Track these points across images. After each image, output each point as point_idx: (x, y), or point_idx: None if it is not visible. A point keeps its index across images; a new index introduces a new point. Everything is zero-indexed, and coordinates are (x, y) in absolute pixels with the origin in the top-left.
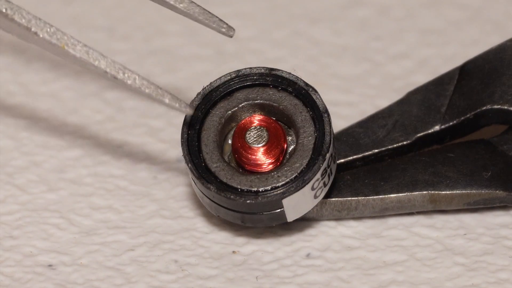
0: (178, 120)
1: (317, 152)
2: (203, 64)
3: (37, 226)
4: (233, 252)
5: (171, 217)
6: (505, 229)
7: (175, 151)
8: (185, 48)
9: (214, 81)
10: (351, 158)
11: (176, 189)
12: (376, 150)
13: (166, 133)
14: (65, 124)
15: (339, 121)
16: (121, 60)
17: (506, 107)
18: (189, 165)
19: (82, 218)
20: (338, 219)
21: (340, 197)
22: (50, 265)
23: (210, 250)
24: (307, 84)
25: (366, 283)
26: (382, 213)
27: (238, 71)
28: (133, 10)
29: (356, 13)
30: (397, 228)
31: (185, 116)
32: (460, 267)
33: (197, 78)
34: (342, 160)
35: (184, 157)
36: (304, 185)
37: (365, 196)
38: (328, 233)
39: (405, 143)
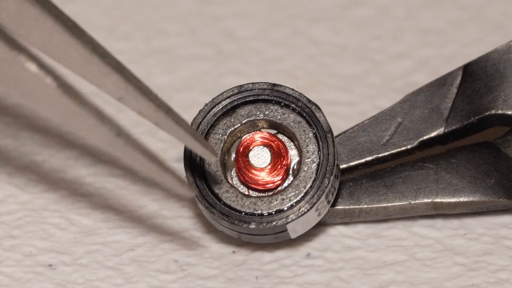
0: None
1: (322, 174)
2: (203, 64)
3: (37, 226)
4: (233, 252)
5: (171, 217)
6: (505, 229)
7: (175, 151)
8: (185, 48)
9: (216, 97)
10: (353, 163)
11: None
12: (379, 155)
13: (166, 133)
14: (65, 124)
15: (339, 121)
16: (121, 60)
17: (510, 113)
18: (192, 187)
19: (82, 218)
20: (340, 223)
21: (343, 206)
22: (50, 265)
23: (210, 250)
24: (310, 101)
25: (366, 283)
26: (385, 217)
27: (241, 86)
28: (133, 10)
29: (356, 13)
30: (397, 228)
31: None
32: (460, 267)
33: (197, 78)
34: (344, 166)
35: (187, 178)
36: (309, 209)
37: (367, 205)
38: (328, 233)
39: (408, 147)
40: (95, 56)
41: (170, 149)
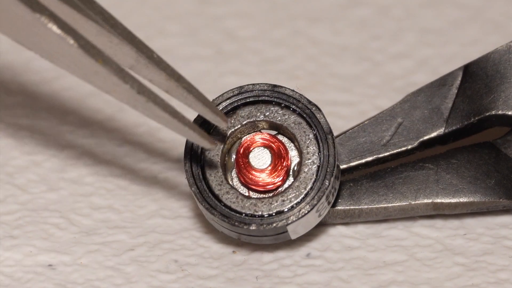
0: None
1: (322, 175)
2: (203, 64)
3: (37, 226)
4: (233, 252)
5: (171, 217)
6: (505, 229)
7: (175, 151)
8: (185, 48)
9: (216, 98)
10: (353, 164)
11: (176, 189)
12: (380, 155)
13: (166, 133)
14: (66, 124)
15: (339, 121)
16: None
17: (510, 113)
18: (193, 188)
19: (82, 218)
20: (341, 223)
21: (343, 206)
22: (50, 265)
23: (210, 250)
24: (310, 102)
25: (366, 283)
26: (385, 218)
27: (241, 87)
28: (133, 10)
29: (356, 13)
30: (397, 228)
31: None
32: (460, 267)
33: (197, 78)
34: (344, 166)
35: (188, 180)
36: (310, 210)
37: (368, 205)
38: (328, 233)
39: (409, 147)
40: (106, 26)
41: (170, 149)
